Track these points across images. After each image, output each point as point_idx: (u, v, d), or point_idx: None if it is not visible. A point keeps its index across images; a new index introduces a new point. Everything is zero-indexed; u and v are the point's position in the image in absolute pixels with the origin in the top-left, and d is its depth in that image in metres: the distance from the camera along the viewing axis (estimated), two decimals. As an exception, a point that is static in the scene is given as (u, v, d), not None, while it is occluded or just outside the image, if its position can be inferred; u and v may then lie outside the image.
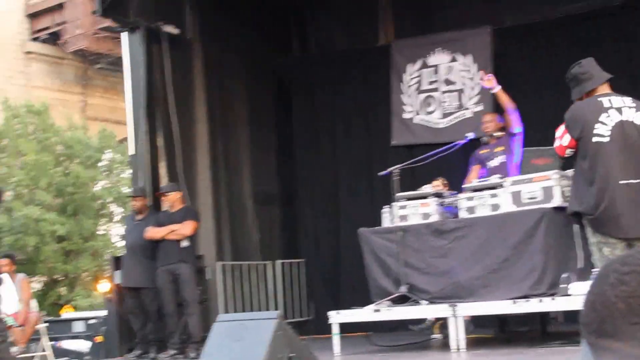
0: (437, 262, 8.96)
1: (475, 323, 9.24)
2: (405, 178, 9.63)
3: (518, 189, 8.45)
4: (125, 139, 28.23)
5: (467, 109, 12.07)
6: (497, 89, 9.36)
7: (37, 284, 28.14)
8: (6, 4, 35.80)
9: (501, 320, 9.61)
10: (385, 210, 9.67)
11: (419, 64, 12.38)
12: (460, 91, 12.13)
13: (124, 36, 11.84)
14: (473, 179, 9.46)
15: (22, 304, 10.59)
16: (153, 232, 10.14)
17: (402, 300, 8.94)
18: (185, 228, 10.09)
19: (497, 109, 10.60)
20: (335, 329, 8.83)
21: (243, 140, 12.87)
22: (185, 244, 10.08)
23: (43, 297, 28.01)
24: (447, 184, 10.15)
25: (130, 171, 12.91)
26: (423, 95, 12.38)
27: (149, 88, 11.53)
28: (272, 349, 4.86)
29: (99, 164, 30.30)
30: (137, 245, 10.31)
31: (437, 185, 10.16)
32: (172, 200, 10.35)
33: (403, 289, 8.95)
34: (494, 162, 9.44)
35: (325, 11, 13.47)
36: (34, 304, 11.03)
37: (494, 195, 8.64)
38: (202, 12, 12.25)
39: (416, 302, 8.78)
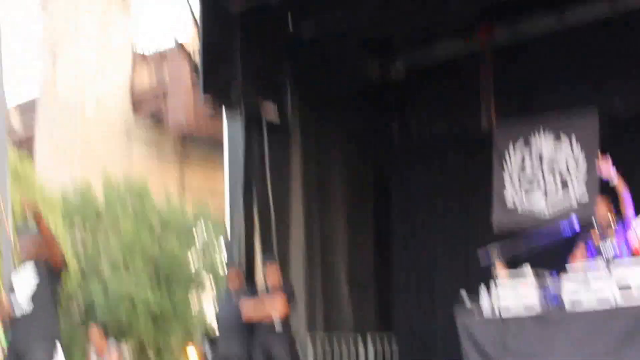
0: (539, 351, 8.70)
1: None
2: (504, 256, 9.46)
3: (626, 277, 8.17)
4: (221, 218, 28.62)
5: (572, 198, 11.78)
6: (615, 180, 9.11)
7: (126, 354, 28.28)
8: (112, 88, 37.03)
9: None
10: (484, 291, 9.45)
11: (522, 147, 12.15)
12: (565, 180, 11.87)
13: (225, 120, 12.12)
14: (578, 259, 9.19)
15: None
16: (247, 311, 10.07)
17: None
18: (278, 305, 10.00)
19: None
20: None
21: (339, 222, 12.85)
22: (278, 327, 9.99)
23: (133, 368, 28.16)
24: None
25: (224, 246, 13.05)
26: (526, 181, 12.16)
27: (246, 171, 11.74)
28: None
29: (194, 238, 30.71)
30: (230, 321, 10.29)
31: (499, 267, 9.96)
32: (271, 274, 10.28)
33: (502, 378, 8.70)
34: (605, 248, 9.16)
35: (425, 98, 13.43)
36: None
37: (597, 279, 8.36)
38: (303, 95, 12.38)
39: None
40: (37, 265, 7.15)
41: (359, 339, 12.22)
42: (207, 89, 11.57)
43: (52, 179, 33.01)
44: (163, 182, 34.56)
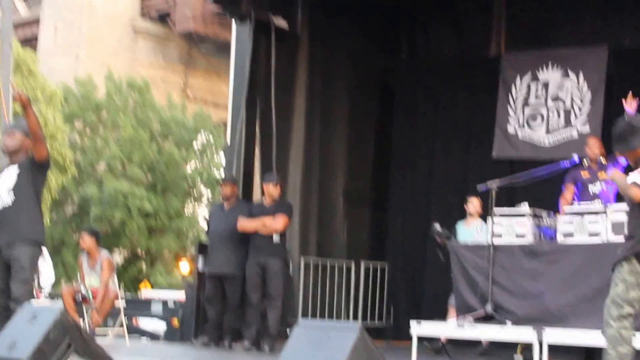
0: (527, 284, 8.77)
1: (563, 351, 8.96)
2: (502, 193, 9.42)
3: (620, 219, 8.15)
4: (221, 123, 28.56)
5: (574, 128, 11.77)
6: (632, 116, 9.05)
7: (118, 258, 28.55)
8: (120, -20, 36.34)
9: (588, 351, 9.30)
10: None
11: (528, 77, 12.08)
12: (569, 110, 11.82)
13: (234, 27, 11.92)
14: (569, 199, 9.23)
15: (101, 284, 10.66)
16: (245, 224, 10.03)
17: (485, 318, 8.73)
18: (277, 223, 9.95)
19: (605, 133, 10.31)
20: (415, 340, 8.66)
21: (340, 138, 12.76)
22: (276, 238, 9.97)
23: (124, 271, 28.42)
24: (482, 204, 9.83)
25: (222, 155, 12.95)
26: (529, 110, 12.10)
27: (252, 78, 11.57)
28: (351, 361, 4.75)
29: (193, 145, 30.58)
30: (223, 233, 10.21)
31: (472, 202, 9.96)
32: (274, 192, 10.23)
33: (488, 308, 8.75)
34: (595, 188, 9.22)
35: (436, 17, 13.28)
36: (114, 280, 11.10)
37: (594, 222, 8.37)
38: (313, 9, 12.22)
39: (501, 322, 8.55)
40: (19, 157, 6.98)
41: (352, 266, 12.24)
42: (217, -1, 11.48)
43: (55, 68, 32.84)
44: (166, 84, 34.41)
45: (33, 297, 6.85)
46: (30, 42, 35.48)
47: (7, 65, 11.08)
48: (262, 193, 10.52)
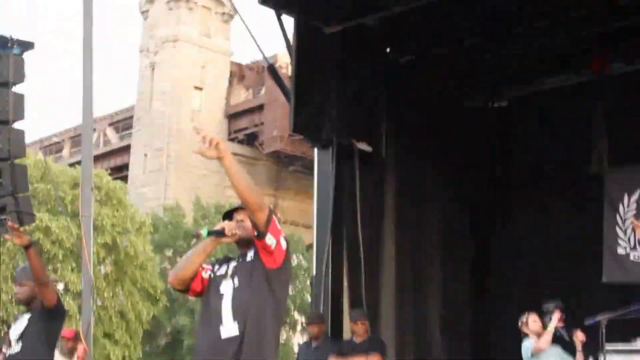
0: None
1: None
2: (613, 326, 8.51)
3: None
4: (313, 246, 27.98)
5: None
6: None
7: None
8: (208, 104, 36.82)
9: None
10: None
11: (637, 194, 11.17)
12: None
13: (315, 153, 11.46)
14: None
15: None
16: None
17: None
18: (372, 360, 9.32)
19: None
20: None
21: (434, 264, 12.09)
22: None
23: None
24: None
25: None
26: (641, 231, 11.16)
27: (336, 205, 10.96)
28: None
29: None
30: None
31: (535, 321, 8.94)
32: (361, 330, 9.64)
33: None
34: None
35: (530, 134, 12.51)
36: None
37: None
38: (399, 132, 11.69)
39: None
40: (34, 305, 6.65)
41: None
42: (297, 126, 10.96)
43: (145, 196, 33.09)
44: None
45: None
46: (121, 170, 35.90)
47: (88, 205, 10.77)
48: (352, 334, 9.98)
